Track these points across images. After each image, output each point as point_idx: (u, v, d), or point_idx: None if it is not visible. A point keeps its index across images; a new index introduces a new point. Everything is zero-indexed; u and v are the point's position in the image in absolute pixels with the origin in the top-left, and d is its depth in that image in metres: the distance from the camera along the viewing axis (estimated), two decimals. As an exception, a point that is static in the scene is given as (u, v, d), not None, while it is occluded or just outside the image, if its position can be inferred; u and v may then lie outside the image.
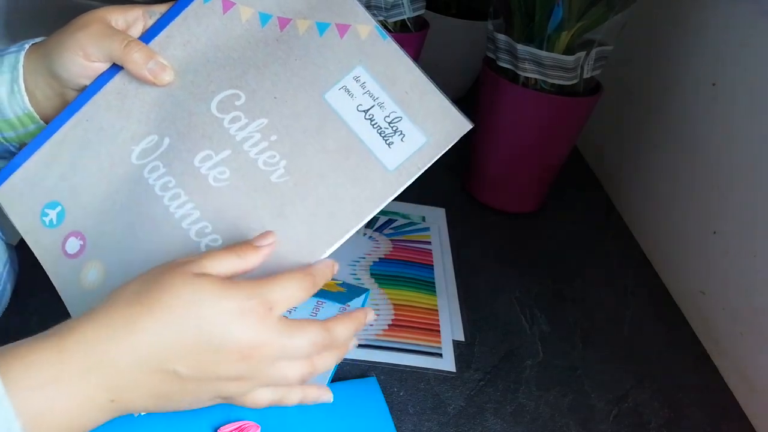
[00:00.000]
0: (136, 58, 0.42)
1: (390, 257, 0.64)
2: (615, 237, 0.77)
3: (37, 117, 0.46)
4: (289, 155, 0.41)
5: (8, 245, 0.48)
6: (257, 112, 0.42)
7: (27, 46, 0.46)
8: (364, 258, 0.64)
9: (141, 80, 0.43)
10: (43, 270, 0.56)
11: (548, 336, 0.59)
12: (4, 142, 0.48)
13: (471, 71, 0.97)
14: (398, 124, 0.40)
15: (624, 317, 0.63)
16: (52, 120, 0.46)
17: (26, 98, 0.45)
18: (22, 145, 0.47)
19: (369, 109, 0.41)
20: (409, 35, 0.77)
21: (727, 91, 0.65)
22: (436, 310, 0.59)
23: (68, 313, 0.51)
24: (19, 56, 0.45)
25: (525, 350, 0.57)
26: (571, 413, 0.52)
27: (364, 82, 0.41)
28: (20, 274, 0.54)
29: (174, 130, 0.43)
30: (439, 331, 0.56)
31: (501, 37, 0.67)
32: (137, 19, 0.45)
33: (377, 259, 0.64)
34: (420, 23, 0.79)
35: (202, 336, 0.34)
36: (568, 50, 0.65)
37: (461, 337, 0.57)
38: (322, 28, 0.42)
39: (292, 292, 0.37)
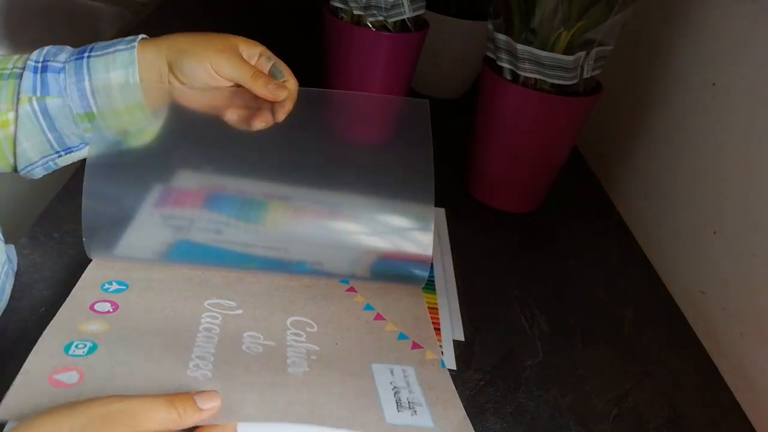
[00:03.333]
0: (261, 83, 0.53)
1: (390, 257, 0.64)
2: (615, 237, 0.77)
3: (146, 104, 0.54)
4: (314, 367, 0.47)
5: (7, 245, 0.48)
6: (316, 341, 0.50)
7: (136, 43, 0.53)
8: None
9: (263, 97, 0.54)
10: (43, 270, 0.56)
11: (548, 336, 0.59)
12: (84, 133, 0.54)
13: (471, 71, 0.97)
14: (416, 407, 0.45)
15: (624, 317, 0.63)
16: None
17: (139, 89, 0.53)
18: (121, 134, 0.55)
19: (400, 389, 0.47)
20: (409, 35, 0.77)
21: (727, 91, 0.65)
22: (436, 309, 0.59)
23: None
24: (133, 54, 0.53)
25: (525, 350, 0.57)
26: (571, 413, 0.52)
27: (408, 376, 0.48)
28: (20, 274, 0.54)
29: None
30: (439, 330, 0.56)
31: (501, 37, 0.67)
32: (255, 54, 0.56)
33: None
34: (420, 23, 0.79)
35: None
36: (568, 50, 0.65)
37: (461, 337, 0.57)
38: (401, 336, 0.53)
39: None
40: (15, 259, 0.53)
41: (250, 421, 0.40)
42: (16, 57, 0.54)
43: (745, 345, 0.57)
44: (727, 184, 0.63)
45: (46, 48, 0.54)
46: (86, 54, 0.53)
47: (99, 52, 0.53)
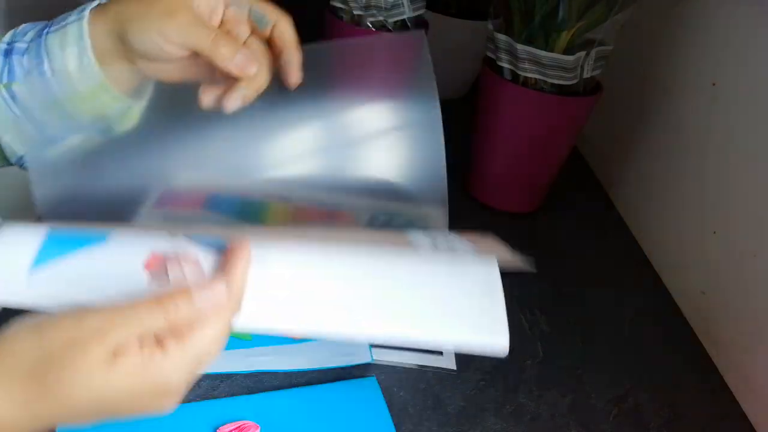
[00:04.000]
0: (223, 51, 0.40)
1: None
2: (615, 237, 0.77)
3: (110, 86, 0.44)
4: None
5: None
6: None
7: (87, 13, 0.44)
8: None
9: (229, 73, 0.41)
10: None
11: (548, 336, 0.59)
12: (59, 122, 0.46)
13: (471, 71, 0.97)
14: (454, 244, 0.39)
15: (624, 317, 0.63)
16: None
17: (97, 68, 0.44)
18: (95, 120, 0.46)
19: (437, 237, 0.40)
20: (409, 35, 0.77)
21: (727, 91, 0.65)
22: (436, 310, 0.58)
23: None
24: (81, 25, 0.44)
25: (525, 350, 0.57)
26: (571, 413, 0.52)
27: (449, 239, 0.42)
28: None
29: None
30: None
31: (501, 37, 0.67)
32: (219, 5, 0.43)
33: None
34: (420, 23, 0.79)
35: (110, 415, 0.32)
36: (568, 50, 0.65)
37: (461, 337, 0.57)
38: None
39: (222, 336, 0.34)
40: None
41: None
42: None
43: (745, 345, 0.57)
44: (727, 184, 0.63)
45: (22, 26, 0.48)
46: (46, 30, 0.46)
47: (55, 27, 0.46)
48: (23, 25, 0.47)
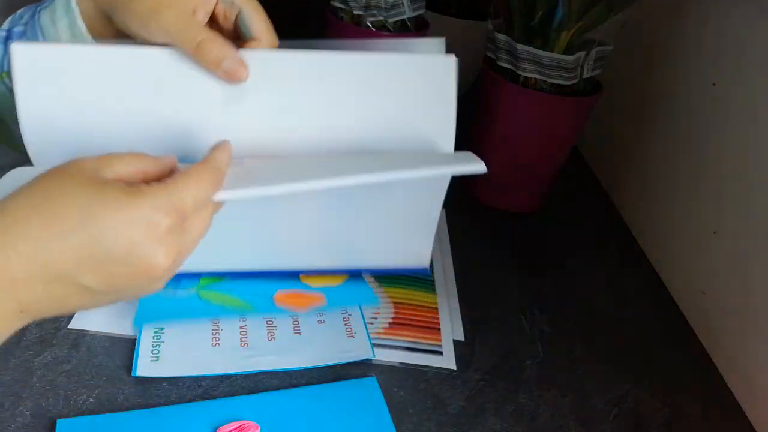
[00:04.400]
0: (211, 56, 0.40)
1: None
2: (615, 237, 0.77)
3: None
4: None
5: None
6: None
7: None
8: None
9: (216, 76, 0.41)
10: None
11: (548, 336, 0.59)
12: None
13: (471, 71, 0.97)
14: None
15: (624, 317, 0.63)
16: None
17: (89, 38, 0.44)
18: None
19: None
20: (409, 35, 0.77)
21: (727, 91, 0.65)
22: (436, 309, 0.59)
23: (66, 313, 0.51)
24: (69, 2, 0.44)
25: (525, 350, 0.57)
26: (571, 413, 0.52)
27: None
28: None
29: None
30: (439, 329, 0.56)
31: (501, 37, 0.67)
32: (209, 2, 0.43)
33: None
34: (420, 23, 0.79)
35: (101, 248, 0.31)
36: (568, 50, 0.65)
37: (461, 337, 0.57)
38: None
39: (205, 193, 0.34)
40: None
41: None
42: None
43: (745, 345, 0.57)
44: (727, 184, 0.63)
45: (19, 11, 0.47)
46: (39, 8, 0.46)
47: (45, 4, 0.46)
48: (20, 10, 0.47)
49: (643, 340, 0.61)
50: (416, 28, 0.78)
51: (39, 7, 0.46)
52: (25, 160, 0.48)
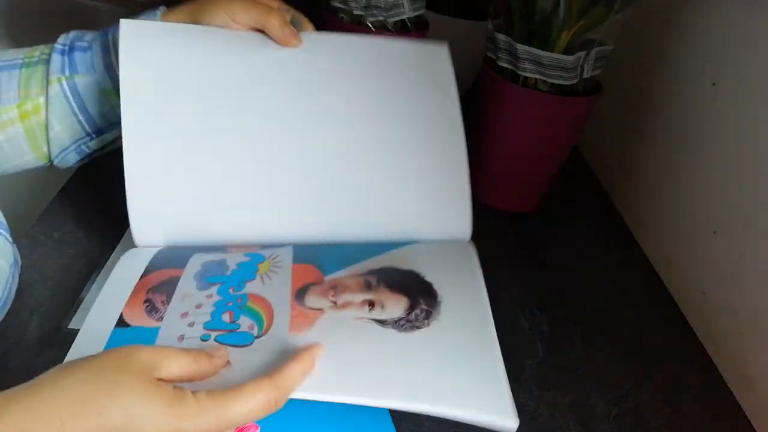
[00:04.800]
0: (274, 23, 0.54)
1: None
2: (615, 237, 0.77)
3: None
4: None
5: (12, 244, 0.48)
6: None
7: (159, 14, 0.55)
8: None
9: (276, 40, 0.55)
10: (43, 270, 0.56)
11: (548, 336, 0.59)
12: (114, 110, 0.55)
13: (471, 71, 0.97)
14: None
15: (624, 317, 0.63)
16: None
17: None
18: None
19: None
20: (409, 35, 0.77)
21: (727, 91, 0.65)
22: (436, 310, 0.59)
23: (67, 313, 0.52)
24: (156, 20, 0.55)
25: (525, 350, 0.57)
26: (571, 413, 0.52)
27: None
28: (20, 274, 0.54)
29: None
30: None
31: (501, 37, 0.67)
32: (273, 4, 0.56)
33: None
34: (420, 23, 0.79)
35: None
36: (568, 50, 0.65)
37: (461, 337, 0.56)
38: None
39: (255, 416, 0.36)
40: (19, 259, 0.53)
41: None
42: (43, 45, 0.55)
43: (745, 345, 0.57)
44: (727, 184, 0.63)
45: (72, 32, 0.55)
46: (111, 31, 0.54)
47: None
48: (73, 32, 0.56)
49: (643, 340, 0.61)
50: (416, 28, 0.78)
51: (111, 30, 0.54)
52: (47, 171, 0.58)
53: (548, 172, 0.75)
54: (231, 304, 0.46)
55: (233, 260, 0.50)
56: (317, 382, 0.39)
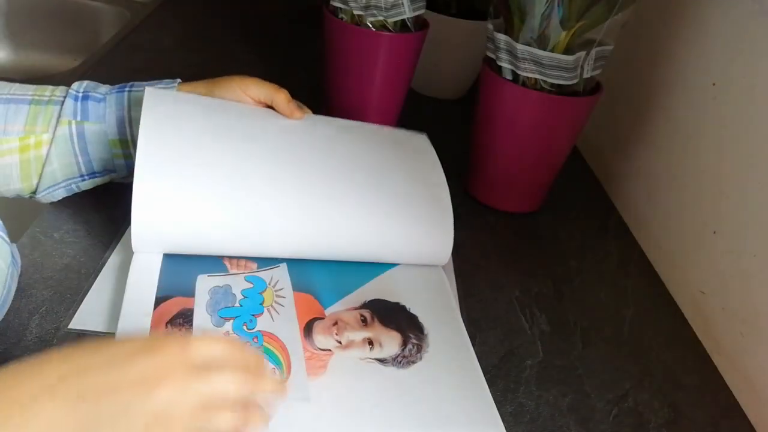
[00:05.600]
0: (282, 98, 0.61)
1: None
2: (615, 237, 0.77)
3: None
4: None
5: (10, 244, 0.48)
6: None
7: (176, 85, 0.61)
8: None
9: (283, 113, 0.62)
10: (43, 270, 0.56)
11: (548, 336, 0.59)
12: (112, 159, 0.59)
13: (471, 71, 0.97)
14: None
15: (624, 317, 0.63)
16: None
17: None
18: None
19: None
20: (409, 35, 0.77)
21: (727, 91, 0.65)
22: (436, 310, 0.59)
23: (67, 313, 0.52)
24: (174, 90, 0.60)
25: (525, 350, 0.57)
26: (571, 413, 0.52)
27: None
28: (20, 274, 0.54)
29: None
30: (439, 331, 0.57)
31: (501, 37, 0.67)
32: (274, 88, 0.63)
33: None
34: (420, 23, 0.79)
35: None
36: (568, 50, 0.65)
37: (461, 337, 0.57)
38: None
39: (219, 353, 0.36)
40: (19, 259, 0.53)
41: None
42: (52, 87, 0.59)
43: (745, 345, 0.57)
44: (727, 184, 0.63)
45: (85, 82, 0.60)
46: (127, 89, 0.59)
47: (139, 88, 0.59)
48: (87, 82, 0.60)
49: (643, 340, 0.61)
50: (416, 28, 0.78)
51: (128, 88, 0.59)
52: (28, 204, 0.61)
53: (548, 172, 0.75)
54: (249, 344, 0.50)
55: (237, 286, 0.54)
56: (334, 423, 0.45)
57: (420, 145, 0.67)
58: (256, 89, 0.62)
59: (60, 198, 0.60)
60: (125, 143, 0.59)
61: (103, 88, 0.60)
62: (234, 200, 0.54)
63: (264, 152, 0.58)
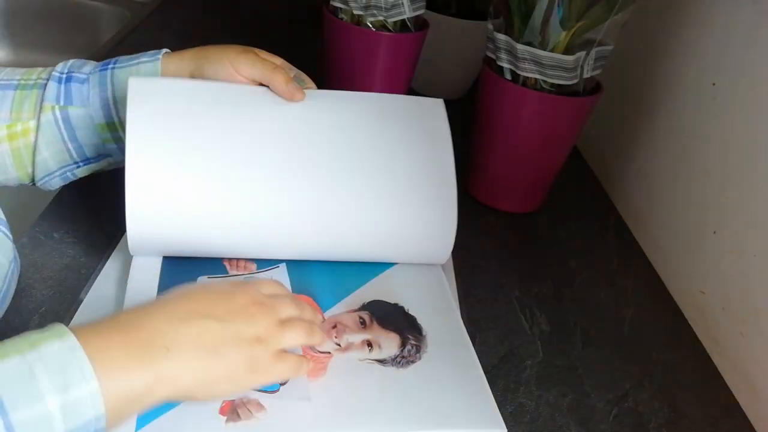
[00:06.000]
0: (279, 79, 0.54)
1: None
2: (615, 237, 0.77)
3: None
4: None
5: (12, 240, 0.48)
6: None
7: (160, 56, 0.56)
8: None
9: (281, 94, 0.55)
10: (43, 270, 0.56)
11: (548, 336, 0.59)
12: (104, 144, 0.56)
13: (471, 71, 0.97)
14: None
15: (624, 317, 0.63)
16: None
17: None
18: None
19: None
20: (409, 35, 0.77)
21: (727, 91, 0.65)
22: (436, 310, 0.59)
23: (67, 314, 0.52)
24: (157, 65, 0.55)
25: (525, 350, 0.57)
26: (571, 413, 0.52)
27: None
28: (20, 274, 0.54)
29: None
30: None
31: (501, 37, 0.67)
32: (276, 61, 0.57)
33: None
34: (420, 23, 0.79)
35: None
36: (568, 50, 0.65)
37: (461, 337, 0.57)
38: None
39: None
40: (18, 258, 0.54)
41: None
42: (40, 69, 0.56)
43: (745, 345, 0.57)
44: (727, 184, 0.63)
45: (71, 60, 0.56)
46: (110, 66, 0.55)
47: (123, 64, 0.55)
48: (72, 61, 0.56)
49: (643, 340, 0.61)
50: (416, 28, 0.78)
51: (111, 65, 0.55)
52: (27, 189, 0.58)
53: (548, 172, 0.75)
54: None
55: None
56: (334, 423, 0.45)
57: (432, 123, 0.61)
58: (249, 69, 0.55)
59: (58, 187, 0.58)
60: (113, 126, 0.55)
61: (88, 66, 0.56)
62: (230, 202, 0.53)
63: (260, 147, 0.54)
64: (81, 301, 0.53)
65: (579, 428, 0.51)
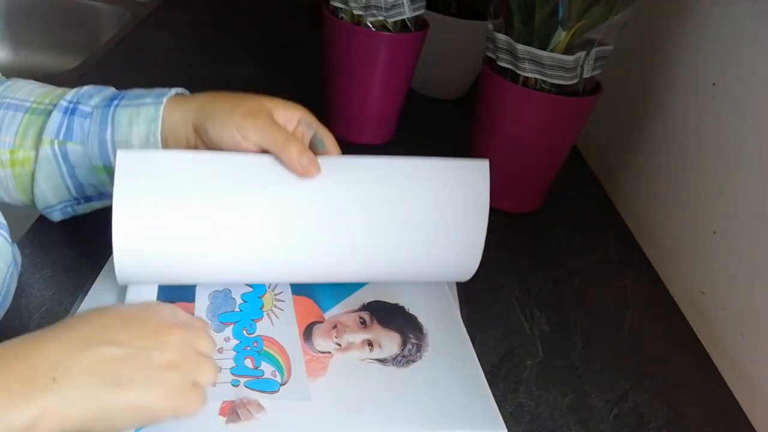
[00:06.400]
0: (292, 152, 0.47)
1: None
2: (615, 237, 0.77)
3: None
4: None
5: (12, 244, 0.48)
6: None
7: (165, 100, 0.50)
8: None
9: (292, 171, 0.48)
10: (43, 270, 0.56)
11: (548, 336, 0.59)
12: (102, 186, 0.53)
13: (471, 71, 0.97)
14: None
15: (624, 317, 0.63)
16: None
17: (161, 147, 0.50)
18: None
19: None
20: (409, 35, 0.77)
21: (727, 91, 0.65)
22: (436, 310, 0.59)
23: (67, 313, 0.52)
24: (158, 110, 0.50)
25: (525, 350, 0.57)
26: (571, 413, 0.52)
27: None
28: (20, 274, 0.54)
29: None
30: (439, 331, 0.57)
31: (501, 37, 0.67)
32: (294, 120, 0.50)
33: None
34: (420, 23, 0.79)
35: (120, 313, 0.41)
36: (568, 50, 0.65)
37: (461, 337, 0.57)
38: None
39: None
40: (19, 260, 0.53)
41: None
42: (58, 92, 0.53)
43: (745, 345, 0.58)
44: (727, 184, 0.63)
45: (85, 88, 0.53)
46: (115, 102, 0.51)
47: (126, 102, 0.51)
48: (86, 87, 0.52)
49: (643, 340, 0.61)
50: (416, 28, 0.78)
51: (116, 101, 0.51)
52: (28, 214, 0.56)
53: (548, 172, 0.75)
54: (249, 348, 0.50)
55: (236, 290, 0.54)
56: (334, 423, 0.45)
57: (473, 194, 0.58)
58: (257, 136, 0.47)
59: (58, 220, 0.55)
60: (111, 170, 0.50)
61: (96, 98, 0.52)
62: (220, 278, 0.53)
63: (259, 228, 0.49)
64: (81, 301, 0.53)
65: (579, 428, 0.51)
